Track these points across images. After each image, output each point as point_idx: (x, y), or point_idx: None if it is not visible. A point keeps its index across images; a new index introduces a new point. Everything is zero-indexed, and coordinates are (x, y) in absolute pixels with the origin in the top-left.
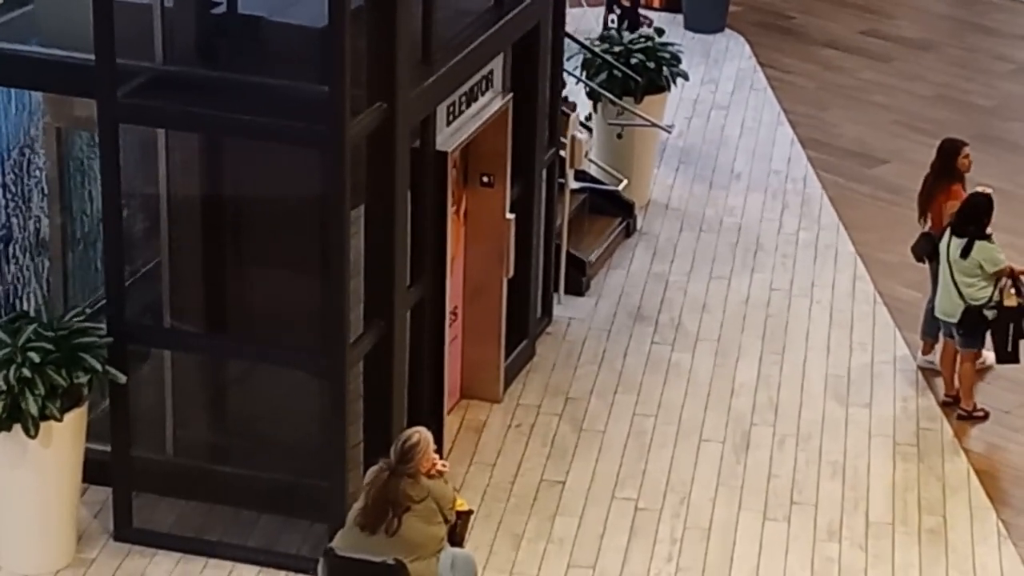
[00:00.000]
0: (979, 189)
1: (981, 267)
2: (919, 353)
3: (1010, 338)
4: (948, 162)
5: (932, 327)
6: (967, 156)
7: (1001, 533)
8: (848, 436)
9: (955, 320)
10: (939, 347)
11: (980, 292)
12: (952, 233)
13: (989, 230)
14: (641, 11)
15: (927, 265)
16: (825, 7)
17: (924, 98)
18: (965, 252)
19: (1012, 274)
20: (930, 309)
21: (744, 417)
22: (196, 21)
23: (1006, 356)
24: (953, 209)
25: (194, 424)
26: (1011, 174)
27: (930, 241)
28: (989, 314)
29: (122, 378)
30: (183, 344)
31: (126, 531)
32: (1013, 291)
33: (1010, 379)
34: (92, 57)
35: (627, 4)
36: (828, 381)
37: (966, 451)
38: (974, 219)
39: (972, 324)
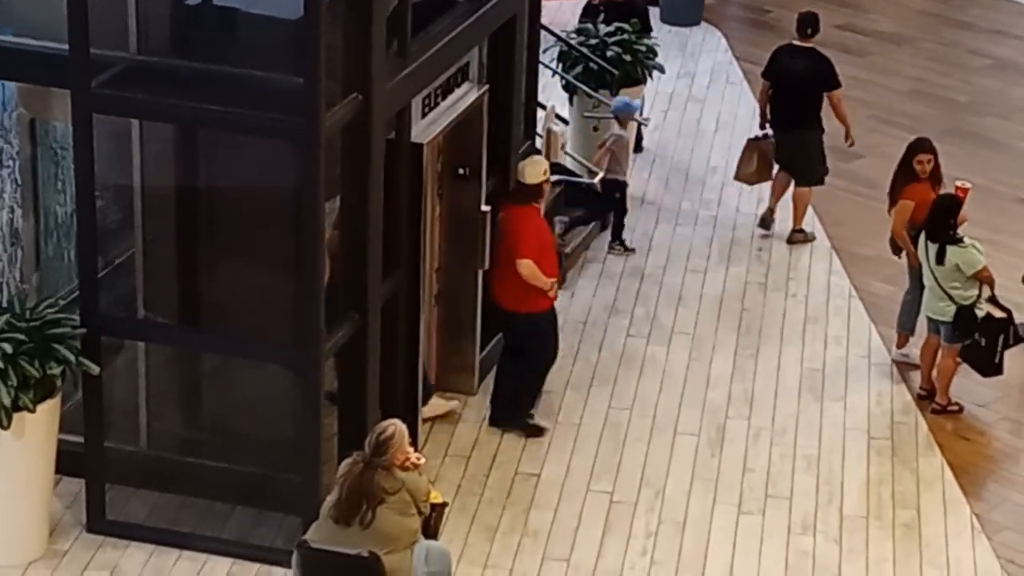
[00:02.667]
0: (958, 184)
1: (959, 270)
2: (894, 347)
3: (998, 351)
4: (906, 162)
5: (908, 320)
6: (920, 161)
7: (975, 527)
8: (823, 430)
9: (947, 319)
10: (916, 340)
11: (968, 292)
12: (927, 238)
13: (960, 232)
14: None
15: (902, 259)
16: (801, 1)
17: (900, 93)
18: (939, 258)
19: (990, 291)
20: (906, 302)
21: (719, 411)
22: (171, 12)
23: (993, 369)
24: (903, 208)
25: (168, 416)
26: (986, 169)
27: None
28: (979, 312)
29: (95, 369)
30: (156, 336)
31: (99, 523)
32: (990, 305)
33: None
34: (66, 47)
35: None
36: (803, 375)
37: (940, 445)
38: (943, 223)
39: (966, 322)
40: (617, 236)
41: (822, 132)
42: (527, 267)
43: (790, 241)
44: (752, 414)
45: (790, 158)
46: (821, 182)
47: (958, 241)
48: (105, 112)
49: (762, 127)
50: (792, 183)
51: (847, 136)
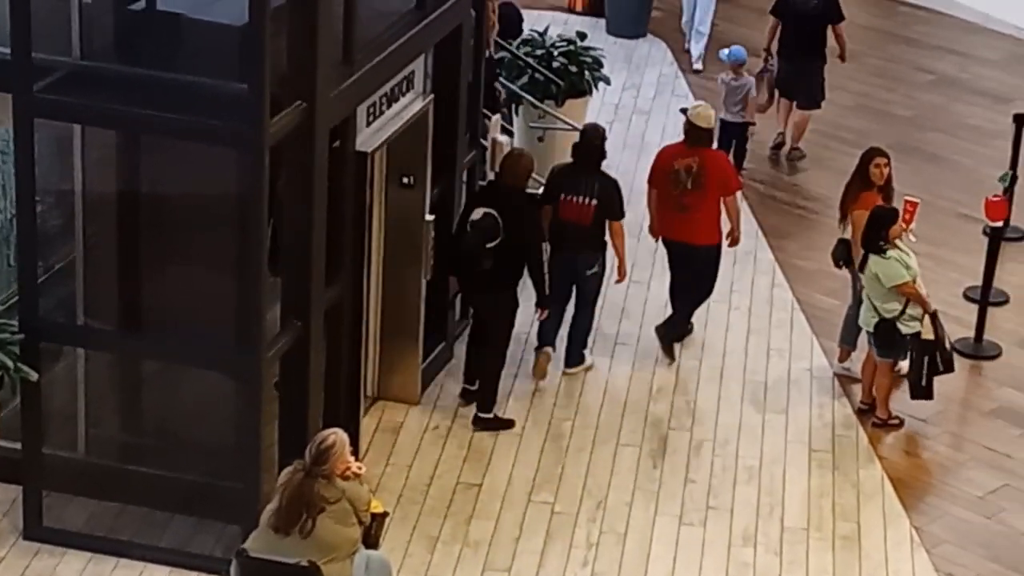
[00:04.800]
0: (907, 198)
1: (878, 280)
2: (836, 360)
3: (924, 373)
4: (862, 170)
5: (850, 334)
6: (877, 165)
7: (914, 540)
8: (764, 442)
9: (871, 330)
10: (858, 355)
11: (889, 304)
12: (869, 251)
13: (897, 243)
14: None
15: (846, 271)
16: (746, 15)
17: (844, 107)
18: (862, 266)
19: (932, 316)
20: (849, 316)
21: (661, 422)
22: (115, 17)
23: (920, 392)
24: (860, 217)
25: (107, 423)
26: (929, 184)
27: (847, 247)
28: (903, 328)
29: (34, 375)
30: (97, 342)
31: (36, 530)
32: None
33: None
34: (7, 51)
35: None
36: (745, 387)
37: (881, 458)
38: (873, 232)
39: (885, 335)
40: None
41: (824, 63)
42: (736, 199)
43: (789, 158)
44: (694, 425)
45: (796, 85)
46: (819, 106)
47: (881, 251)
48: (47, 117)
49: (766, 60)
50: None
51: (842, 55)
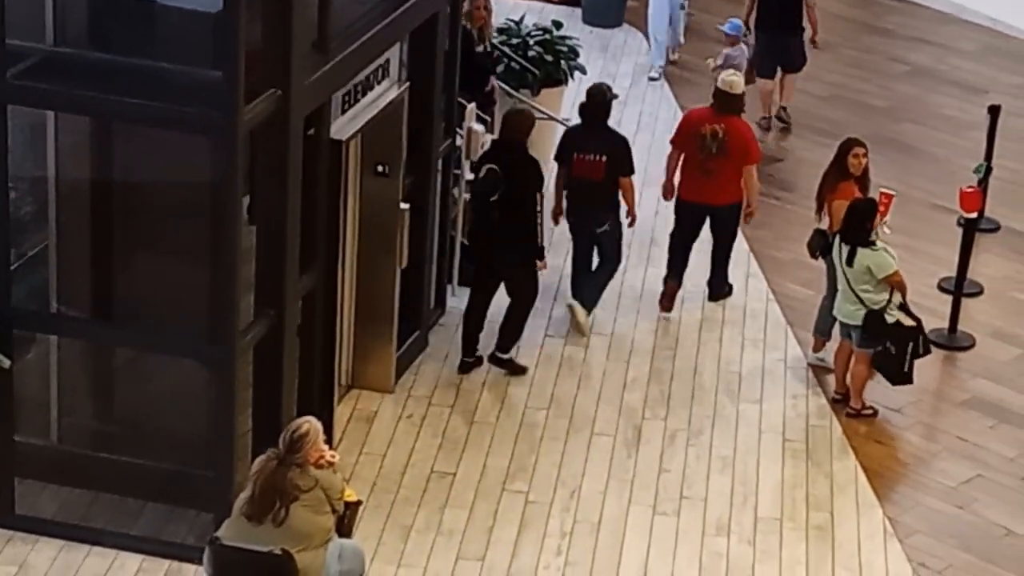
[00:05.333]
0: (883, 190)
1: (870, 272)
2: (810, 350)
3: (907, 359)
4: (840, 160)
5: (824, 324)
6: (856, 155)
7: (887, 530)
8: (739, 432)
9: (856, 323)
10: (832, 345)
11: (878, 296)
12: (841, 240)
13: (873, 235)
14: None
15: (820, 262)
16: (722, 4)
17: (819, 98)
18: (849, 260)
19: (902, 298)
20: (824, 307)
21: (636, 411)
22: (89, 4)
23: (902, 377)
24: (839, 207)
25: (80, 411)
26: (904, 175)
27: (823, 237)
28: (888, 318)
29: (6, 363)
30: (69, 330)
31: (8, 518)
32: (901, 312)
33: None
34: None
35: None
36: (720, 377)
37: (854, 449)
38: (857, 225)
39: (874, 326)
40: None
41: (802, 34)
42: (755, 171)
43: (779, 118)
44: (669, 415)
45: (780, 54)
46: (802, 68)
47: (871, 244)
48: (20, 103)
49: (744, 35)
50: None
51: (814, 37)
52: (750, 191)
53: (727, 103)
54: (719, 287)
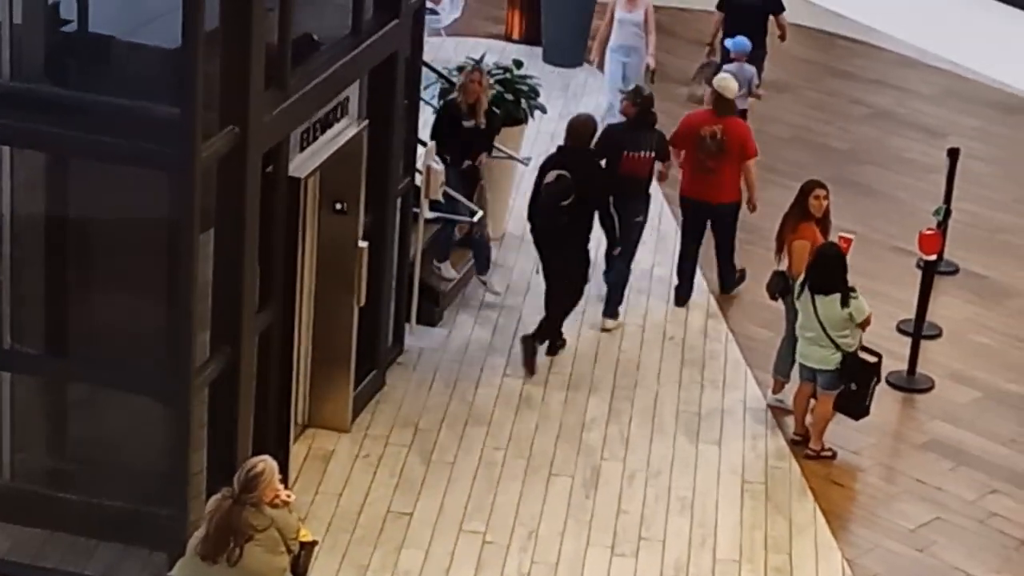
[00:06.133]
0: (842, 235)
1: (851, 318)
2: (769, 391)
3: (870, 394)
4: (801, 201)
5: (784, 366)
6: (817, 197)
7: (846, 573)
8: (698, 473)
9: (828, 367)
10: (790, 386)
11: (853, 339)
12: (812, 290)
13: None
14: None
15: (780, 303)
16: (683, 46)
17: (781, 140)
18: (843, 305)
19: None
20: (784, 348)
21: (595, 451)
22: (45, 39)
23: (863, 411)
24: (800, 248)
25: (33, 448)
26: (865, 217)
27: (783, 279)
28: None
29: None
30: (23, 366)
31: None
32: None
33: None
34: None
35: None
36: (679, 417)
37: (813, 490)
38: (835, 274)
39: (850, 368)
40: None
41: (766, 54)
42: (754, 165)
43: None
44: (627, 455)
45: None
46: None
47: (853, 291)
48: None
49: (708, 55)
50: None
51: (783, 37)
52: (751, 185)
53: (723, 105)
54: (729, 280)
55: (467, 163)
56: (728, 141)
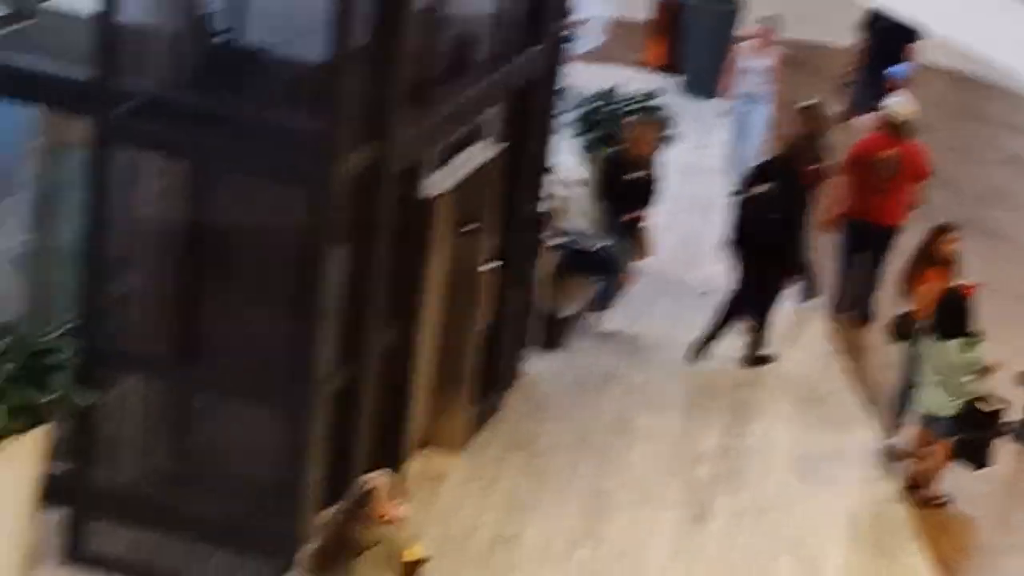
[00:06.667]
0: (963, 283)
1: (972, 364)
2: (886, 434)
3: (989, 443)
4: (930, 244)
5: (901, 409)
6: (948, 241)
7: None
8: (806, 513)
9: (949, 414)
10: (907, 431)
11: (972, 386)
12: (934, 334)
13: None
14: None
15: (898, 345)
16: (797, 78)
17: None
18: (965, 351)
19: None
20: (901, 391)
21: (704, 486)
22: (195, 48)
23: (983, 461)
24: (926, 293)
25: (155, 453)
26: (994, 262)
27: (907, 322)
28: (987, 405)
29: (88, 400)
30: (152, 371)
31: (76, 554)
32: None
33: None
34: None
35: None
36: (792, 456)
37: (924, 538)
38: (959, 319)
39: (970, 417)
40: None
41: None
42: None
43: None
44: (738, 492)
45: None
46: None
47: (975, 335)
48: (123, 143)
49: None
50: None
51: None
52: (920, 200)
53: (897, 129)
54: (870, 308)
55: (627, 216)
56: (905, 163)
